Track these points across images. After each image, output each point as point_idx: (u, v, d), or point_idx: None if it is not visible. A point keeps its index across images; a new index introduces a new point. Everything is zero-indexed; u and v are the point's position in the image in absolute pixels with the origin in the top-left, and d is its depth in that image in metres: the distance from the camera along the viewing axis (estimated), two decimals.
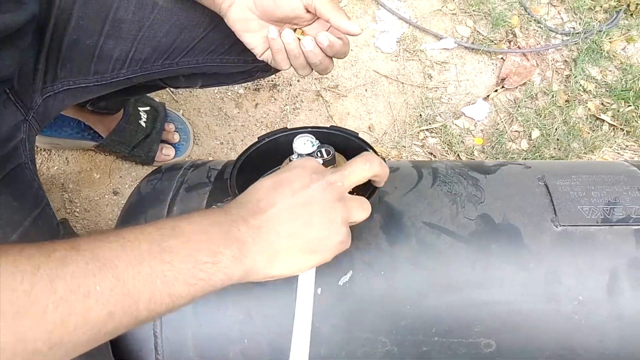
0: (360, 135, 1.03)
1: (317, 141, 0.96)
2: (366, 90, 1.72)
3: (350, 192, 0.89)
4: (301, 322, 0.75)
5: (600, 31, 1.77)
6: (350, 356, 0.95)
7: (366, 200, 0.80)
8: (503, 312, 0.94)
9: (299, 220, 0.71)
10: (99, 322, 0.52)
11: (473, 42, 1.79)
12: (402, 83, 1.72)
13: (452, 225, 0.99)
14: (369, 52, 1.78)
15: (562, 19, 1.84)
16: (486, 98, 1.69)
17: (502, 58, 1.77)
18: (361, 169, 0.80)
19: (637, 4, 1.81)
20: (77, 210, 1.54)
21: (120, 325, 0.55)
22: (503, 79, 1.71)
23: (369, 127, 1.67)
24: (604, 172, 1.17)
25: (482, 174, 1.09)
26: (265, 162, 0.98)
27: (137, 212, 1.03)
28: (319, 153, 0.94)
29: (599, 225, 0.98)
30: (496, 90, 1.70)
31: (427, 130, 1.66)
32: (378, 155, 0.96)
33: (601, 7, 1.84)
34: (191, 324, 0.95)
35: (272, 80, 1.73)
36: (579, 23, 1.81)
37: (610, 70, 1.73)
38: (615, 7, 1.83)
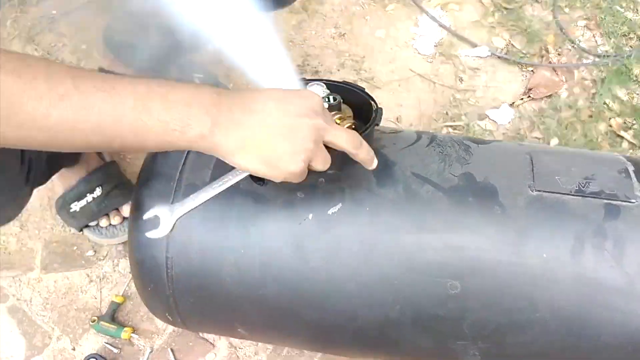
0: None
1: (328, 90, 1.09)
2: (399, 85, 1.84)
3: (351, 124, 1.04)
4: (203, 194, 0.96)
5: (630, 56, 1.83)
6: (329, 279, 1.07)
7: (329, 158, 0.91)
8: (471, 258, 1.04)
9: (274, 135, 0.84)
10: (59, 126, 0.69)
11: (506, 53, 1.89)
12: (434, 83, 1.84)
13: (437, 179, 1.10)
14: (407, 52, 1.91)
15: (596, 41, 1.92)
16: (512, 105, 1.78)
17: (532, 70, 1.86)
18: (348, 140, 0.93)
19: None
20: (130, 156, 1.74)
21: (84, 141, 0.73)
22: (530, 89, 1.80)
23: (397, 118, 1.79)
24: (590, 155, 1.25)
25: (475, 144, 1.19)
26: None
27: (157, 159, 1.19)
28: (326, 99, 1.07)
29: (572, 195, 1.06)
30: (522, 99, 1.78)
31: (450, 126, 1.76)
32: (377, 105, 1.10)
33: (635, 34, 1.90)
34: (198, 229, 1.10)
35: (315, 68, 1.89)
36: (612, 47, 1.88)
37: (638, 94, 1.79)
38: None
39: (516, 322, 1.02)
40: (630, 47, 1.88)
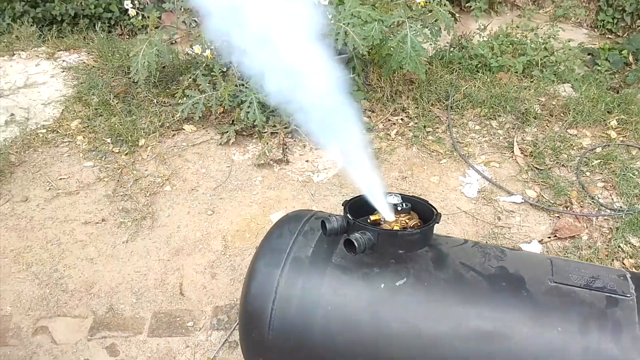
0: None
1: (402, 200, 1.53)
2: (448, 218, 2.25)
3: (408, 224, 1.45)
4: None
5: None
6: (391, 334, 1.40)
7: None
8: (502, 327, 1.36)
9: None
10: None
11: (537, 201, 2.30)
12: (477, 219, 2.24)
13: (479, 268, 1.47)
14: (455, 194, 2.35)
15: (612, 199, 2.31)
16: (540, 241, 2.15)
17: (558, 216, 2.24)
18: None
19: None
20: None
21: None
22: (556, 230, 2.17)
23: None
24: (597, 265, 1.60)
25: (509, 249, 1.56)
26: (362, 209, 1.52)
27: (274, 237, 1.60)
28: (400, 205, 1.50)
29: (581, 288, 1.40)
30: (549, 237, 2.15)
31: None
32: (437, 210, 1.51)
33: None
34: (298, 289, 1.47)
35: None
36: (625, 204, 2.27)
37: None
38: None
39: None
40: None
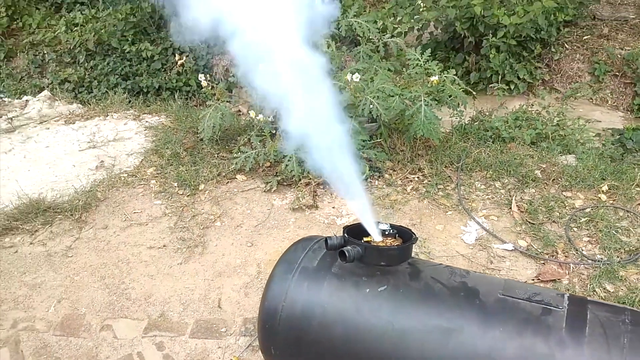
0: None
1: (389, 227, 1.93)
2: (447, 259, 2.60)
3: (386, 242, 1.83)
4: None
5: (618, 262, 2.47)
6: (371, 327, 1.77)
7: None
8: (459, 327, 1.70)
9: None
10: None
11: (527, 250, 2.61)
12: (472, 261, 2.58)
13: (446, 282, 1.83)
14: (456, 241, 2.70)
15: (594, 251, 2.59)
16: (526, 282, 2.45)
17: (543, 263, 2.54)
18: None
19: None
20: None
21: None
22: (540, 274, 2.47)
23: None
24: (542, 287, 1.92)
25: (473, 272, 1.91)
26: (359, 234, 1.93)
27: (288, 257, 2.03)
28: (388, 230, 1.91)
29: (524, 300, 1.73)
30: (533, 280, 2.45)
31: None
32: (415, 234, 1.90)
33: (624, 250, 2.55)
34: (303, 291, 1.87)
35: None
36: (605, 256, 2.54)
37: (622, 289, 2.38)
38: (636, 250, 2.54)
39: None
40: (620, 258, 2.53)
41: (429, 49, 3.42)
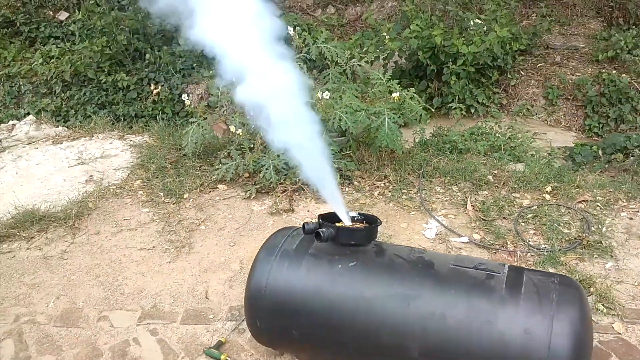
0: None
1: (358, 215, 2.23)
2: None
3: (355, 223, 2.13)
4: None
5: (559, 250, 2.81)
6: (344, 297, 2.04)
7: None
8: (417, 293, 1.99)
9: None
10: None
11: (480, 242, 2.93)
12: None
13: (406, 257, 2.12)
14: (418, 236, 3.00)
15: (540, 242, 2.92)
16: None
17: (494, 252, 2.86)
18: None
19: (589, 241, 2.84)
20: None
21: None
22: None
23: None
24: (487, 260, 2.23)
25: (431, 251, 2.22)
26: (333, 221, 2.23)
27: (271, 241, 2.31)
28: (356, 217, 2.21)
29: (470, 268, 2.04)
30: None
31: None
32: (379, 220, 2.20)
33: (565, 239, 2.90)
34: (284, 270, 2.14)
35: None
36: (549, 245, 2.88)
37: (563, 271, 2.70)
38: (574, 239, 2.88)
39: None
40: (561, 246, 2.87)
41: (392, 75, 3.81)
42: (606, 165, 4.85)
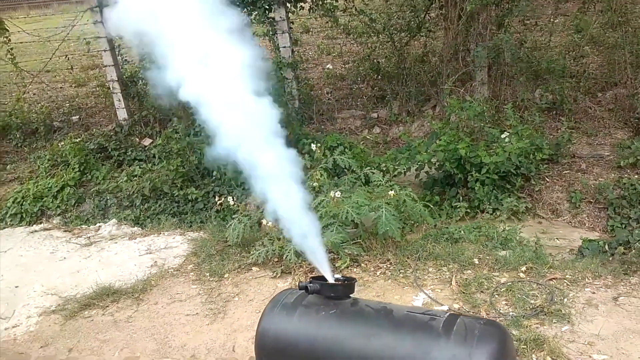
0: None
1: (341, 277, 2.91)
2: None
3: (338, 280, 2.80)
4: None
5: (523, 316, 3.28)
6: (326, 336, 2.66)
7: None
8: (378, 333, 2.59)
9: None
10: None
11: (458, 310, 3.45)
12: None
13: (374, 307, 2.74)
14: (407, 304, 3.56)
15: (509, 310, 3.40)
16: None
17: None
18: None
19: (550, 310, 3.28)
20: None
21: None
22: None
23: None
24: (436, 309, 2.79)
25: (396, 305, 2.81)
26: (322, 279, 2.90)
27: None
28: (338, 278, 2.89)
29: (420, 314, 2.62)
30: None
31: None
32: (355, 280, 2.86)
33: (530, 307, 3.36)
34: (277, 318, 2.80)
35: None
36: (514, 312, 3.35)
37: (524, 333, 3.15)
38: (537, 307, 3.34)
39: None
40: (525, 313, 3.33)
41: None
42: (610, 258, 5.21)
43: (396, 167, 7.07)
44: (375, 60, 9.20)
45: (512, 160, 6.81)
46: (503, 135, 7.23)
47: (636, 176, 7.09)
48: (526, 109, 8.22)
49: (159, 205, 7.83)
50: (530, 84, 8.67)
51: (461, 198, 7.12)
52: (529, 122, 7.83)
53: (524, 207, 7.06)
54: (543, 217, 6.71)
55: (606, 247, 5.59)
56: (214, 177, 7.91)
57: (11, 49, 7.91)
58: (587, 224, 7.12)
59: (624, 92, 8.46)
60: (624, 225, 6.86)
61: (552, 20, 9.24)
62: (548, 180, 7.57)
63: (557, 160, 7.81)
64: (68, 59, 9.26)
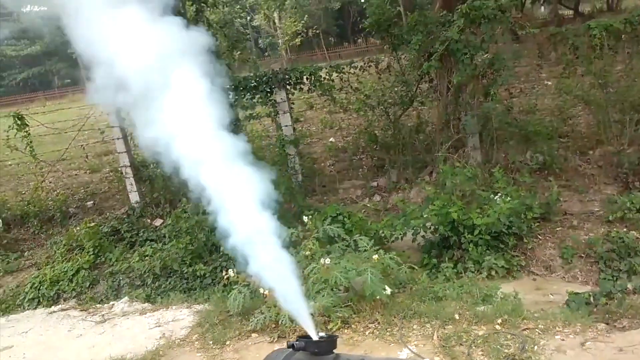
0: None
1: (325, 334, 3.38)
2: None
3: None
4: None
5: None
6: None
7: None
8: None
9: None
10: None
11: None
12: None
13: (354, 358, 3.19)
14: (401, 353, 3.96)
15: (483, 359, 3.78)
16: None
17: None
18: None
19: (521, 358, 3.65)
20: None
21: None
22: None
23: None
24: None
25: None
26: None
27: None
28: (322, 337, 3.36)
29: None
30: None
31: None
32: (337, 336, 3.33)
33: (503, 356, 3.74)
34: None
35: None
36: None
37: None
38: (509, 356, 3.71)
39: None
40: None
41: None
42: (594, 309, 5.55)
43: (392, 232, 7.53)
44: (373, 132, 9.86)
45: (501, 221, 7.25)
46: (495, 197, 7.71)
47: (624, 229, 7.48)
48: (518, 171, 8.74)
49: (169, 283, 8.31)
50: (521, 146, 9.24)
51: (456, 259, 7.53)
52: (521, 183, 8.33)
53: (518, 265, 7.43)
54: (537, 274, 7.07)
55: (591, 298, 5.95)
56: (221, 253, 8.42)
57: (30, 142, 8.70)
58: (580, 279, 7.44)
59: (611, 149, 8.97)
60: (615, 278, 7.20)
61: (535, 87, 9.95)
62: (540, 237, 7.97)
63: (549, 218, 8.25)
64: (83, 148, 10.04)
